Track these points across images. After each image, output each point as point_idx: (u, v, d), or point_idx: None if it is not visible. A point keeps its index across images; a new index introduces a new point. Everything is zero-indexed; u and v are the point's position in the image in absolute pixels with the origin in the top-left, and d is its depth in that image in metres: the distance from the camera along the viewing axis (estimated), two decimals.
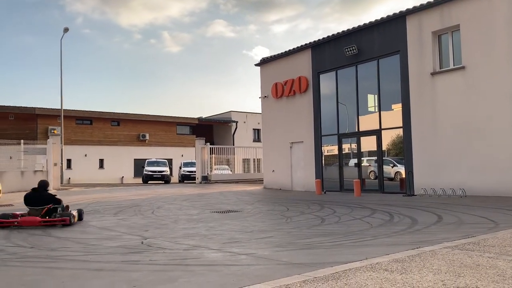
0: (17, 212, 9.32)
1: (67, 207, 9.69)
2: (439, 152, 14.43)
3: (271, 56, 21.50)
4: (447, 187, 13.83)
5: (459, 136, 13.90)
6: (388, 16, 16.03)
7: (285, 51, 20.41)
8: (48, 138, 23.74)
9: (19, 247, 6.66)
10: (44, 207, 9.08)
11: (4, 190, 16.40)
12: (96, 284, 4.36)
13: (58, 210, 9.20)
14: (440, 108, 14.43)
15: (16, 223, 8.75)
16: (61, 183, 25.18)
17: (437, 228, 7.61)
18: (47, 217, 8.99)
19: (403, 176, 15.66)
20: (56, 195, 9.64)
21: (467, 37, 13.84)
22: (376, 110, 16.71)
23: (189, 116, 42.40)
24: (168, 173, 33.31)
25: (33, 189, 9.42)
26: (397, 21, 15.75)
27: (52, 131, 28.99)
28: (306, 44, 19.30)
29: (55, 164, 22.84)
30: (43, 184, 9.51)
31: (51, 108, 34.34)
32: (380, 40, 16.29)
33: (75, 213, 9.37)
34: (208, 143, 29.85)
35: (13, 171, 21.10)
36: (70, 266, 5.25)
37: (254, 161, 33.55)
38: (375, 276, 4.18)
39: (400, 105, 15.74)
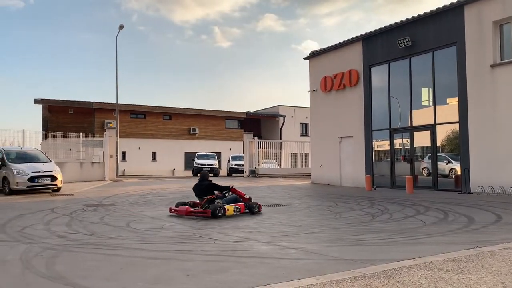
0: (190, 201, 9.64)
1: (250, 198, 9.84)
2: (498, 149, 13.69)
3: (320, 49, 21.24)
4: (507, 185, 13.11)
5: None
6: (444, 6, 15.33)
7: (335, 44, 20.08)
8: (105, 131, 24.85)
9: (79, 234, 7.06)
10: (204, 198, 9.34)
11: (64, 180, 17.36)
12: (152, 272, 4.55)
13: (218, 202, 9.10)
14: (501, 101, 13.67)
15: (173, 211, 9.30)
16: (116, 174, 26.29)
17: (496, 228, 7.27)
18: (204, 207, 9.05)
19: (459, 173, 15.02)
20: (212, 181, 9.74)
21: None
22: (431, 104, 16.09)
23: (237, 111, 42.91)
24: (217, 166, 33.87)
25: (199, 179, 9.86)
26: (454, 11, 15.04)
27: (108, 124, 30.35)
28: (357, 37, 18.89)
29: (111, 156, 23.88)
30: (203, 175, 9.89)
31: (107, 103, 35.88)
32: (436, 31, 15.63)
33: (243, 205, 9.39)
34: (256, 137, 30.02)
35: (73, 162, 22.29)
36: (127, 254, 5.50)
37: (301, 155, 33.37)
38: (429, 275, 4.07)
39: (456, 99, 15.06)
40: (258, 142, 29.43)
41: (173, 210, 9.37)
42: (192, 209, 9.05)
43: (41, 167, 15.44)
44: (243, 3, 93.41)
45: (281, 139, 39.12)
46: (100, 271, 4.63)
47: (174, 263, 4.98)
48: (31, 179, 14.85)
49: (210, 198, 9.31)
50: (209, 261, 5.00)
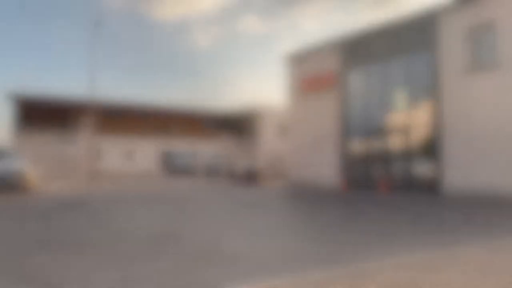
0: None
1: None
2: (472, 152, 14.05)
3: (299, 52, 21.35)
4: (478, 187, 13.48)
5: (495, 135, 13.49)
6: (420, 13, 15.65)
7: (315, 47, 20.22)
8: (79, 129, 24.36)
9: (49, 234, 6.87)
10: None
11: (37, 178, 16.93)
12: (112, 275, 4.46)
13: None
14: (474, 106, 14.03)
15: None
16: (91, 173, 25.82)
17: (466, 228, 7.45)
18: None
19: (433, 175, 15.32)
20: None
21: (503, 33, 13.38)
22: (406, 108, 16.39)
23: (216, 110, 42.73)
24: (194, 165, 33.67)
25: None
26: (430, 18, 15.36)
27: (83, 122, 29.73)
28: (336, 40, 19.07)
29: (86, 154, 23.43)
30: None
31: (83, 99, 35.09)
32: (412, 37, 15.93)
33: None
34: (234, 137, 29.97)
35: (46, 160, 21.76)
36: (95, 252, 5.39)
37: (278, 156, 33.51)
38: (403, 274, 4.14)
39: (430, 103, 15.38)
40: (235, 141, 29.39)
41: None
42: None
43: (10, 165, 15.00)
44: (224, 2, 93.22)
45: (258, 139, 39.18)
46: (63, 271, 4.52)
47: (137, 264, 4.90)
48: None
49: None
50: (181, 261, 4.95)
